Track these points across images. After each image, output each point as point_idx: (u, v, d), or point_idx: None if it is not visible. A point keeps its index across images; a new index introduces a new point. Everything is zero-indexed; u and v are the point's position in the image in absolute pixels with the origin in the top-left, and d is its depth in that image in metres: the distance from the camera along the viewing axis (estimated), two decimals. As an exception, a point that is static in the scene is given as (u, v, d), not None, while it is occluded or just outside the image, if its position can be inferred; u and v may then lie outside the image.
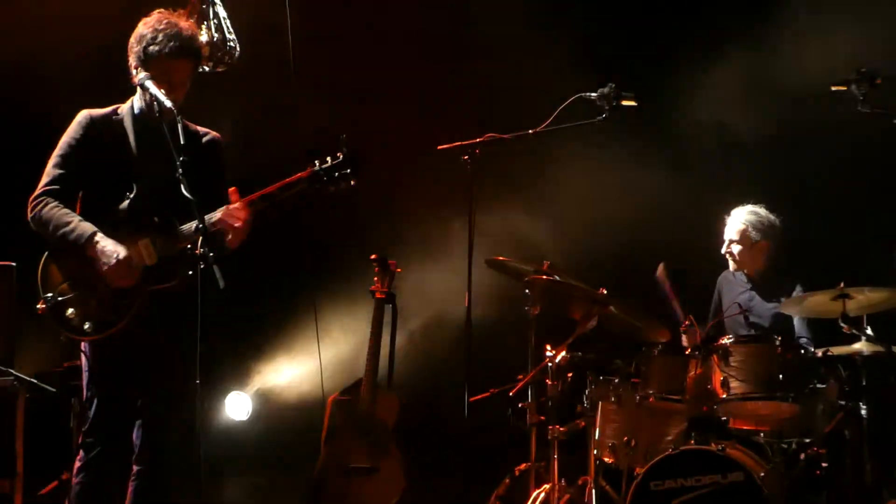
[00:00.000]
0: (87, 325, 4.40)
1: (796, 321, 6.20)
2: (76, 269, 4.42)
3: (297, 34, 6.53)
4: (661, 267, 6.26)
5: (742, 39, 7.07)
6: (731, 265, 6.46)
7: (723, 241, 6.44)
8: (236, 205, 4.39)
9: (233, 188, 4.45)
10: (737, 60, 7.03)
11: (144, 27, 4.53)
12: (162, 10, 4.62)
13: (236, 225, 4.37)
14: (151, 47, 4.46)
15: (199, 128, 4.66)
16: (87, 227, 4.39)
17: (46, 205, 4.44)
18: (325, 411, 6.74)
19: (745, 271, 6.44)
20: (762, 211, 6.38)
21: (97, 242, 4.37)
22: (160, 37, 4.46)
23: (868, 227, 6.57)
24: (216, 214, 4.38)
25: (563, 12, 7.21)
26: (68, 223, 4.39)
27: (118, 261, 4.34)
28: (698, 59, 7.14)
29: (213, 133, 4.71)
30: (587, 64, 6.78)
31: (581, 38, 7.11)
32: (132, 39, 4.54)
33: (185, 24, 4.59)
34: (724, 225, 6.46)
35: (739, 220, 6.38)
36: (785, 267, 6.38)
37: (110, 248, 4.36)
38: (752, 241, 6.36)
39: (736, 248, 6.38)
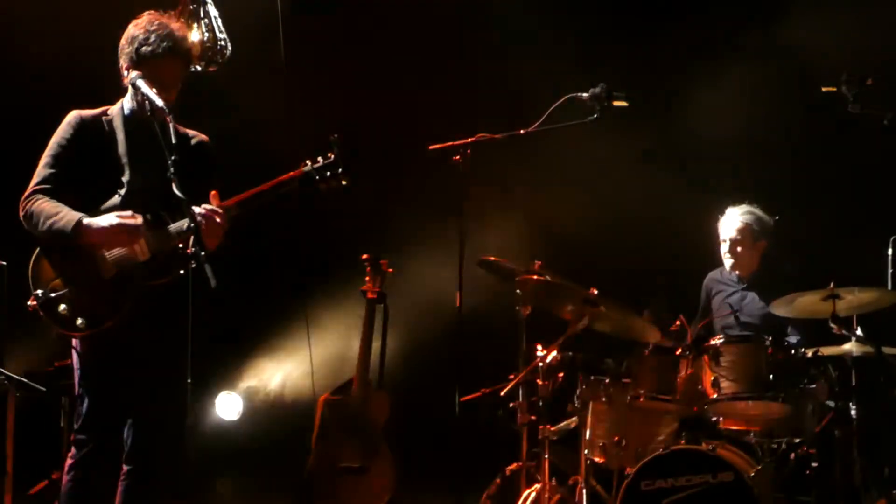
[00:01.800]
0: (79, 321, 4.39)
1: (790, 325, 6.20)
2: (68, 265, 4.42)
3: (288, 34, 6.54)
4: (645, 312, 6.11)
5: (736, 41, 7.08)
6: (728, 264, 6.43)
7: (720, 242, 6.42)
8: (209, 207, 4.38)
9: (214, 192, 4.44)
10: (730, 62, 7.05)
11: (135, 28, 4.53)
12: (152, 11, 4.62)
13: (210, 226, 4.34)
14: (144, 48, 4.46)
15: (187, 130, 4.67)
16: (75, 214, 4.39)
17: (36, 201, 4.45)
18: (316, 411, 6.74)
19: (738, 272, 6.44)
20: (758, 210, 6.37)
21: (87, 224, 4.36)
22: (152, 37, 4.47)
23: (858, 227, 6.58)
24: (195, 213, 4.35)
25: (559, 11, 7.21)
26: (57, 213, 4.40)
27: (110, 226, 4.33)
28: (693, 60, 7.15)
29: (202, 136, 4.72)
30: (582, 63, 6.78)
31: (576, 36, 7.11)
32: (123, 41, 4.54)
33: (176, 24, 4.60)
34: (716, 224, 6.45)
35: (739, 218, 6.34)
36: (776, 267, 6.38)
37: (96, 221, 4.35)
38: (753, 240, 6.35)
39: (739, 248, 6.37)
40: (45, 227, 4.40)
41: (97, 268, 4.40)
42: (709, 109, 7.04)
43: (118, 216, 4.38)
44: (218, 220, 4.37)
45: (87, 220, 4.38)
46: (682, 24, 7.23)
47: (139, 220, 4.38)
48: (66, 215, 4.39)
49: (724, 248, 6.40)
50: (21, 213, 4.48)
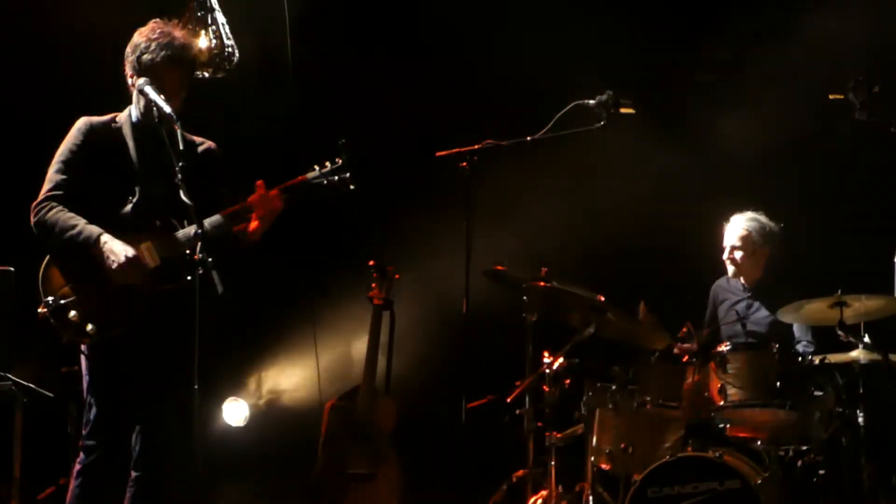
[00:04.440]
0: (89, 328, 4.40)
1: (796, 326, 6.20)
2: (79, 272, 4.43)
3: (295, 39, 6.55)
4: (641, 305, 6.11)
5: (745, 47, 7.08)
6: (731, 271, 6.44)
7: (723, 248, 6.43)
8: (273, 192, 4.45)
9: (260, 181, 4.49)
10: (738, 67, 7.04)
11: (139, 36, 4.55)
12: (157, 19, 4.63)
13: (267, 212, 4.43)
14: (145, 56, 4.48)
15: (195, 137, 4.68)
16: (94, 229, 4.40)
17: (51, 209, 4.45)
18: (322, 417, 6.74)
19: (743, 279, 6.44)
20: (763, 217, 6.38)
21: (105, 243, 4.38)
22: (153, 46, 4.49)
23: (866, 234, 6.57)
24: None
25: (567, 15, 7.21)
26: (74, 226, 4.41)
27: (127, 259, 4.35)
28: (699, 66, 7.15)
29: (210, 142, 4.74)
30: (592, 68, 6.77)
31: (582, 39, 7.10)
32: (128, 49, 4.56)
33: (179, 33, 4.60)
34: (722, 231, 6.46)
35: (741, 226, 6.36)
36: (783, 274, 6.38)
37: (118, 248, 4.37)
38: (754, 248, 6.35)
39: (738, 255, 6.37)
40: (61, 239, 4.41)
41: (107, 275, 4.41)
42: (718, 116, 7.04)
43: (135, 251, 4.38)
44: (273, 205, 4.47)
45: (104, 239, 4.39)
46: (689, 27, 7.23)
47: (152, 262, 4.40)
48: (84, 230, 4.40)
49: (725, 254, 6.42)
50: (33, 220, 4.48)
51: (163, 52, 4.46)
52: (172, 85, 4.50)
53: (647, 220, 7.14)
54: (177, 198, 4.14)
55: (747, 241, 6.36)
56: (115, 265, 4.36)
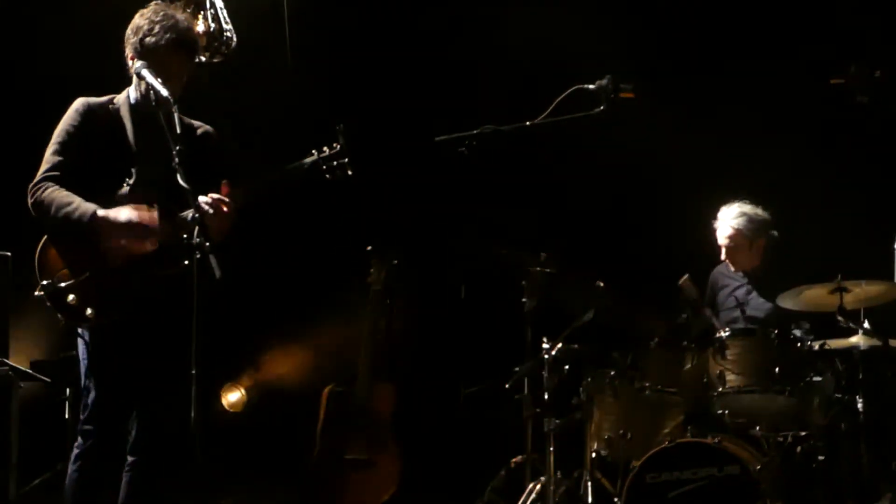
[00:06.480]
0: (88, 311, 4.38)
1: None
2: (76, 254, 4.40)
3: (294, 23, 6.52)
4: (685, 278, 6.13)
5: (746, 31, 7.06)
6: (731, 267, 6.43)
7: (719, 245, 6.40)
8: (216, 196, 4.36)
9: (224, 181, 4.43)
10: (735, 52, 7.02)
11: (141, 18, 4.51)
12: (159, 1, 4.60)
13: (217, 214, 4.33)
14: (148, 38, 4.45)
15: (193, 121, 4.65)
16: (90, 206, 4.37)
17: (47, 189, 4.42)
18: (320, 403, 6.73)
19: (742, 268, 6.42)
20: (749, 208, 6.33)
21: (103, 217, 4.35)
22: (157, 28, 4.45)
23: (866, 220, 6.56)
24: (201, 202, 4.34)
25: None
26: (70, 203, 4.38)
27: (128, 222, 4.32)
28: (697, 51, 7.12)
29: (207, 127, 4.71)
30: (592, 51, 6.74)
31: (585, 22, 7.08)
32: (129, 30, 4.52)
33: (182, 15, 4.57)
34: (716, 223, 6.41)
35: (729, 224, 6.31)
36: (782, 260, 6.36)
37: (113, 215, 4.34)
38: (749, 242, 6.33)
39: (733, 252, 6.35)
40: (58, 217, 4.38)
41: (105, 257, 4.39)
42: (718, 100, 7.02)
43: (135, 210, 4.36)
44: (225, 208, 4.36)
45: (102, 213, 4.36)
46: (691, 14, 7.21)
47: (156, 217, 4.37)
48: (80, 206, 4.37)
49: (722, 253, 6.40)
50: (30, 201, 4.45)
51: (167, 35, 4.43)
52: (175, 68, 4.46)
53: (648, 206, 7.12)
54: (174, 181, 4.11)
55: (739, 238, 6.33)
56: (122, 226, 4.31)
